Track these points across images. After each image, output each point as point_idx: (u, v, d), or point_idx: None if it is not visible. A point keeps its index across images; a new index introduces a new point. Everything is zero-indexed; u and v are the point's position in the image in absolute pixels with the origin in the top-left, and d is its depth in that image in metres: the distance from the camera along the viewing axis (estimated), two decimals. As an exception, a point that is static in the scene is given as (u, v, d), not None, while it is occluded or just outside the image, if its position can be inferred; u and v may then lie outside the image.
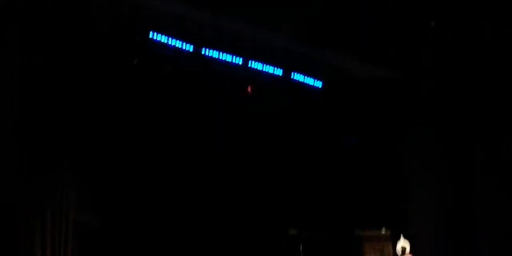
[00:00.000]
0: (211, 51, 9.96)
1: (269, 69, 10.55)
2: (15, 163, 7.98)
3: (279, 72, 10.64)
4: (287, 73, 10.72)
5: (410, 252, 11.47)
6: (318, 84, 11.02)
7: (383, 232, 12.82)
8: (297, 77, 10.83)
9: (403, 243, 11.52)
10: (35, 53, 8.22)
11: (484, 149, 11.22)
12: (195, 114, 10.38)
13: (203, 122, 10.61)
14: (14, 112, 8.04)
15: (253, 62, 10.37)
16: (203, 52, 9.87)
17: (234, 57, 10.15)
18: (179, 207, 10.84)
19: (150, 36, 9.33)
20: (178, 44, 9.62)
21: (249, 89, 10.49)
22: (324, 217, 11.98)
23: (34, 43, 8.21)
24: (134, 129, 10.09)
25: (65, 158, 8.52)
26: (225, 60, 10.06)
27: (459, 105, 11.35)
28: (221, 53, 10.03)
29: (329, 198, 12.04)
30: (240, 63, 10.19)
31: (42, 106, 8.25)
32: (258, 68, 10.43)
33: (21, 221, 7.84)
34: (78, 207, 8.77)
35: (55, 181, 8.36)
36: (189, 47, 9.76)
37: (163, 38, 9.47)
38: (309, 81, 10.92)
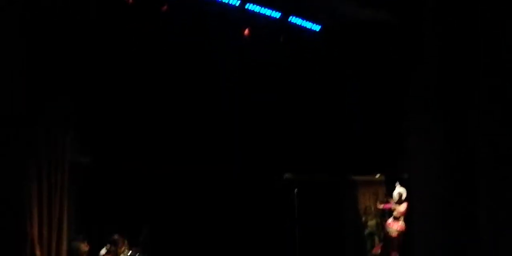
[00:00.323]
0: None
1: (267, 12, 10.37)
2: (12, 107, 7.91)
3: (276, 15, 10.46)
4: (285, 16, 10.55)
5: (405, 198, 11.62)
6: (316, 28, 10.87)
7: (377, 176, 12.94)
8: (295, 20, 10.67)
9: (399, 190, 11.66)
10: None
11: (487, 95, 11.19)
12: (191, 57, 10.26)
13: (199, 68, 10.53)
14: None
15: (250, 4, 10.17)
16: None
17: (231, -1, 9.95)
18: (173, 138, 10.91)
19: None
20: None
21: (246, 32, 10.32)
22: (319, 161, 12.04)
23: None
24: (129, 73, 10.00)
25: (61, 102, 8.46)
26: (221, 1, 9.86)
27: (461, 50, 11.25)
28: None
29: (324, 143, 12.09)
30: (237, 4, 9.99)
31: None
32: (256, 11, 10.24)
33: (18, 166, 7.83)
34: (73, 149, 8.77)
35: (52, 124, 8.32)
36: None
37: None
38: (307, 24, 10.76)
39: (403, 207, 11.47)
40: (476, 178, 11.69)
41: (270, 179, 11.78)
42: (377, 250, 11.79)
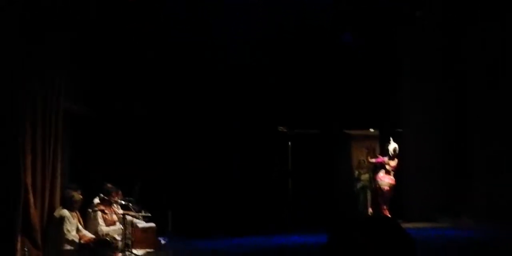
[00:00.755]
0: None
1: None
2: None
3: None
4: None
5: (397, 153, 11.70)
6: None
7: (371, 131, 12.94)
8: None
9: (394, 145, 11.70)
10: None
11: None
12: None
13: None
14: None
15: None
16: None
17: None
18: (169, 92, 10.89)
19: None
20: None
21: None
22: (313, 115, 12.01)
23: None
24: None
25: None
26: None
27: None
28: None
29: (320, 97, 12.03)
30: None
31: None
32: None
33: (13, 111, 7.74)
34: (67, 97, 8.68)
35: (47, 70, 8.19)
36: None
37: None
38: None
39: (395, 161, 11.56)
40: (468, 133, 11.80)
41: (264, 132, 11.78)
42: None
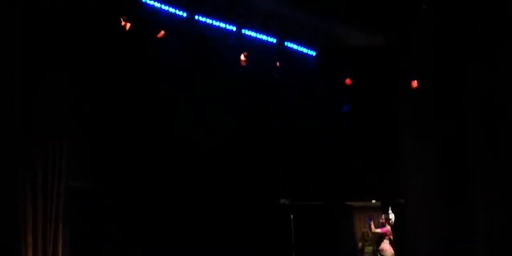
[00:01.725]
0: (204, 17, 9.76)
1: (263, 37, 10.39)
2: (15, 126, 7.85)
3: (273, 40, 10.49)
4: (281, 41, 10.58)
5: (394, 222, 11.55)
6: (312, 52, 10.91)
7: (373, 202, 12.85)
8: (291, 45, 10.70)
9: (391, 214, 11.63)
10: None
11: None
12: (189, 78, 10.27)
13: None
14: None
15: (246, 30, 10.20)
16: (196, 18, 9.68)
17: (227, 24, 9.97)
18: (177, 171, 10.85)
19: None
20: (171, 9, 9.43)
21: (242, 57, 10.31)
22: (315, 187, 11.96)
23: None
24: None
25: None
26: (218, 26, 9.88)
27: (450, 74, 11.34)
28: (214, 20, 9.85)
29: (320, 168, 12.02)
30: (234, 30, 10.01)
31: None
32: (252, 36, 10.26)
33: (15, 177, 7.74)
34: (69, 172, 8.67)
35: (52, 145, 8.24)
36: (183, 13, 9.58)
37: (156, 3, 9.27)
38: (303, 49, 10.80)
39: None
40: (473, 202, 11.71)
41: (266, 205, 11.70)
42: None
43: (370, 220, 12.02)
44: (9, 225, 7.48)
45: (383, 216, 11.76)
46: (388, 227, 11.55)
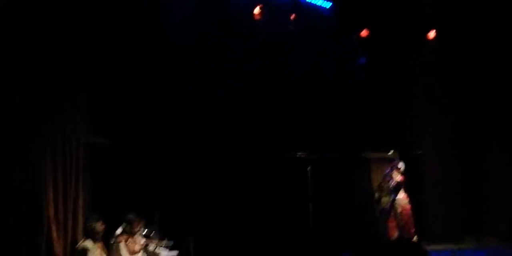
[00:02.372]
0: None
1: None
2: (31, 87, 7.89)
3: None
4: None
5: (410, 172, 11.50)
6: (328, 4, 10.75)
7: (390, 153, 12.85)
8: (307, -2, 10.58)
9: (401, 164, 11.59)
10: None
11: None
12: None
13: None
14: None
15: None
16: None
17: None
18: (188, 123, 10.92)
19: None
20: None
21: (257, 10, 10.18)
22: (332, 139, 11.97)
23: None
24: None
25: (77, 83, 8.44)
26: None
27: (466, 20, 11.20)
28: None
29: (338, 120, 12.01)
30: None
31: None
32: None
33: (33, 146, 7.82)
34: (88, 130, 8.75)
35: (67, 104, 8.29)
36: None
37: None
38: (318, 1, 10.64)
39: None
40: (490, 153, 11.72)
41: (283, 158, 11.75)
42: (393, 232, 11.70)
43: (391, 169, 11.95)
44: (30, 183, 7.60)
45: (399, 165, 11.71)
46: (403, 176, 11.59)
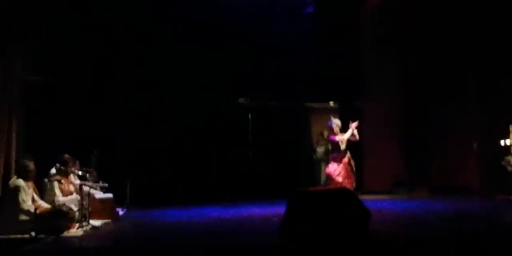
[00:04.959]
0: None
1: None
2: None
3: None
4: None
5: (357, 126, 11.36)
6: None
7: (331, 104, 12.91)
8: None
9: (336, 122, 11.20)
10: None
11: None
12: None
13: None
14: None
15: None
16: None
17: None
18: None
19: None
20: None
21: None
22: (274, 88, 11.94)
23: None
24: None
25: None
26: None
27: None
28: None
29: (281, 69, 11.94)
30: None
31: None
32: None
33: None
34: (22, 66, 8.48)
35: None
36: None
37: None
38: None
39: (346, 135, 10.64)
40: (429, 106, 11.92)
41: (224, 104, 11.71)
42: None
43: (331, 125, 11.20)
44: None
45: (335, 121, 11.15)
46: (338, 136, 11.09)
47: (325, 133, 11.48)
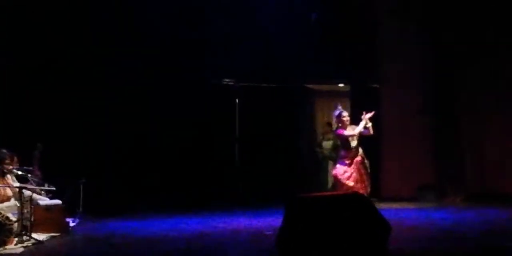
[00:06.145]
0: None
1: None
2: None
3: None
4: None
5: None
6: None
7: (341, 86, 12.92)
8: None
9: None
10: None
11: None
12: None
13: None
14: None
15: None
16: None
17: None
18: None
19: None
20: None
21: None
22: (268, 65, 11.97)
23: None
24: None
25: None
26: None
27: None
28: None
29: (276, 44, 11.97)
30: None
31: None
32: None
33: None
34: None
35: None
36: None
37: None
38: None
39: (358, 129, 10.42)
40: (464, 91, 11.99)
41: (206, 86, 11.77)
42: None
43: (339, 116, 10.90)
44: None
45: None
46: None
47: (334, 124, 11.39)
